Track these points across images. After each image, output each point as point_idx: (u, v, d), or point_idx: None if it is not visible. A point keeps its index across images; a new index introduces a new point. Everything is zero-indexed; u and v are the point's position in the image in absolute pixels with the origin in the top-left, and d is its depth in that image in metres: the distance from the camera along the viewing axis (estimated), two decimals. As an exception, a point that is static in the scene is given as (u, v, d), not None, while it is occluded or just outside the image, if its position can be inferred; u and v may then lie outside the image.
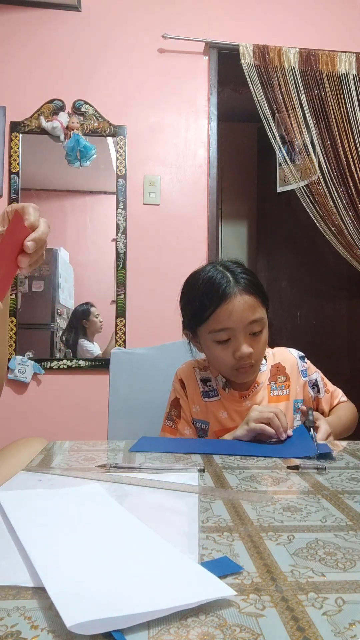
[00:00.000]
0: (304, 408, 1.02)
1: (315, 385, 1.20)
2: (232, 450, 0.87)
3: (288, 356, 1.18)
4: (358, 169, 2.40)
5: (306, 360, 1.20)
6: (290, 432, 0.94)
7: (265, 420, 0.92)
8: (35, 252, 0.69)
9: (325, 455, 0.81)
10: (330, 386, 1.23)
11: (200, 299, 1.03)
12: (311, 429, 0.91)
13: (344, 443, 0.96)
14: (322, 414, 1.17)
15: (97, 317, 2.40)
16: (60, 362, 2.32)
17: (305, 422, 0.96)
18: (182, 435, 1.11)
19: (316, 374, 1.21)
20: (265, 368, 1.15)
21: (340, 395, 1.24)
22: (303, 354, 1.20)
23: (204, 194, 2.45)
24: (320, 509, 0.55)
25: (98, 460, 0.78)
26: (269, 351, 1.18)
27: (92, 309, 2.40)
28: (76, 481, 0.66)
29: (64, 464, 0.77)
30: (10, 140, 2.33)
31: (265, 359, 1.16)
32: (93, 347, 2.39)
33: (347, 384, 2.92)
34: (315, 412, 0.99)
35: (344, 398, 1.24)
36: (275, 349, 1.21)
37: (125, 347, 2.30)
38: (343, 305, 2.98)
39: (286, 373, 1.15)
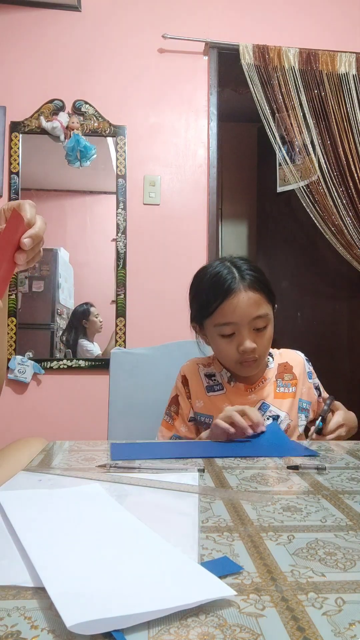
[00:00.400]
0: (325, 395, 1.03)
1: (317, 388, 1.21)
2: (209, 452, 0.85)
3: (295, 357, 1.20)
4: (358, 169, 2.40)
5: (310, 363, 1.21)
6: (263, 428, 0.92)
7: (229, 420, 0.92)
8: (32, 249, 0.69)
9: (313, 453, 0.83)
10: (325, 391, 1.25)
11: (206, 293, 1.05)
12: (320, 417, 0.91)
13: (344, 443, 0.96)
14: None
15: (97, 317, 2.40)
16: (60, 362, 2.32)
17: (320, 411, 0.98)
18: (178, 432, 1.13)
19: (316, 379, 1.22)
20: (273, 365, 1.16)
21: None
22: (306, 357, 1.22)
23: (204, 194, 2.45)
24: (320, 509, 0.55)
25: (98, 460, 0.78)
26: (275, 351, 1.20)
27: (92, 309, 2.40)
28: (76, 481, 0.66)
29: (64, 464, 0.77)
30: (10, 140, 2.33)
31: (272, 357, 1.16)
32: (93, 347, 2.39)
33: (347, 384, 2.90)
34: (337, 403, 0.99)
35: None
36: (282, 349, 1.22)
37: (125, 347, 2.30)
38: (343, 305, 2.98)
39: (293, 372, 1.16)
